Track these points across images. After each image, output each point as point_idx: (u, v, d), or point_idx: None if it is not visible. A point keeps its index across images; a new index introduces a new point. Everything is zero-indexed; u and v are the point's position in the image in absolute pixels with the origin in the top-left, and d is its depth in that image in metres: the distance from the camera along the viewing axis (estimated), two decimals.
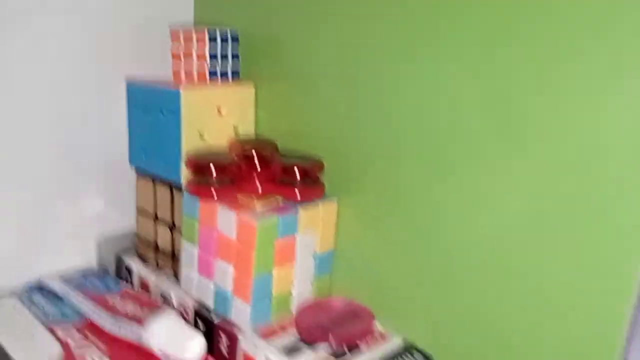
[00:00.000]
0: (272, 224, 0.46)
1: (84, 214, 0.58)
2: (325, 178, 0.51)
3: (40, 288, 0.54)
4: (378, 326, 0.49)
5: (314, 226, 0.49)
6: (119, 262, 0.58)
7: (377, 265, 0.49)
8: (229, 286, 0.47)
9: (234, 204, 0.47)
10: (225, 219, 0.47)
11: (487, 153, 0.41)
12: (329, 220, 0.51)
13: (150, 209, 0.56)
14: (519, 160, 0.39)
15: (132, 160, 0.57)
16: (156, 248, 0.56)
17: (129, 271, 0.57)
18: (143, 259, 0.58)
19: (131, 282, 0.57)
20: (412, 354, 0.46)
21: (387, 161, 0.47)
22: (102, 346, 0.46)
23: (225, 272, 0.47)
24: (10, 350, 0.41)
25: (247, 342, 0.46)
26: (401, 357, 0.46)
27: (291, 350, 0.45)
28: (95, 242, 0.60)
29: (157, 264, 0.56)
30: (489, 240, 0.42)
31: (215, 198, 0.47)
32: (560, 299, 0.38)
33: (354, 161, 0.49)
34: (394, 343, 0.47)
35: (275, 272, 0.47)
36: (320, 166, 0.50)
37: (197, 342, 0.45)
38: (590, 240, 0.37)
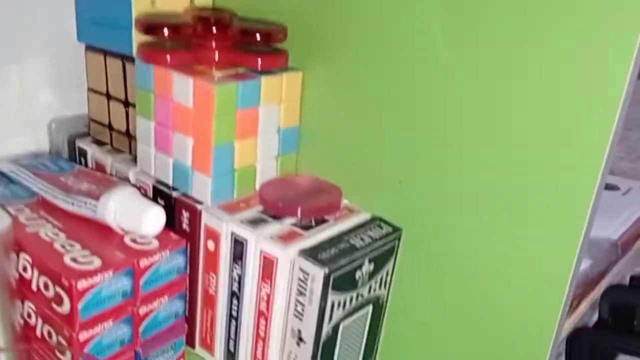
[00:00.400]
0: (232, 90, 0.43)
1: (32, 97, 0.55)
2: (289, 47, 0.47)
3: None
4: (346, 202, 0.48)
5: (276, 98, 0.46)
6: (72, 146, 0.55)
7: (345, 141, 0.47)
8: (188, 160, 0.45)
9: (190, 71, 0.44)
10: (182, 87, 0.43)
11: None
12: (293, 93, 0.48)
13: (102, 87, 0.52)
14: None
15: (80, 35, 0.52)
16: (111, 128, 0.53)
17: (84, 155, 0.54)
18: (98, 141, 0.54)
19: (85, 165, 0.54)
20: (380, 226, 0.45)
21: (354, 30, 0.44)
22: (57, 222, 0.44)
23: (184, 145, 0.45)
24: None
25: (210, 215, 0.44)
26: (370, 228, 0.44)
27: (256, 221, 0.43)
28: (46, 126, 0.56)
29: (113, 146, 0.53)
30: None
31: (169, 61, 0.44)
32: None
33: (321, 28, 0.46)
34: (362, 217, 0.46)
35: (237, 144, 0.45)
36: (283, 31, 0.46)
37: (154, 214, 0.43)
38: None
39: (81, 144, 0.54)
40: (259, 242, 0.41)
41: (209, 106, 0.42)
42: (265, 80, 0.45)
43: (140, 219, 0.42)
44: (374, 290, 0.45)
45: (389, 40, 0.42)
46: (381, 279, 0.45)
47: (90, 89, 0.54)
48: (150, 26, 0.43)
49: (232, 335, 0.46)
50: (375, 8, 0.42)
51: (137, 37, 0.46)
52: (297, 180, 0.49)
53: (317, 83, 0.48)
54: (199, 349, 0.49)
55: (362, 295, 0.44)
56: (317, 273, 0.39)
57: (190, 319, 0.48)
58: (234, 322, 0.45)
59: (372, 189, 0.46)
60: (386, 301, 0.47)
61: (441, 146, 0.41)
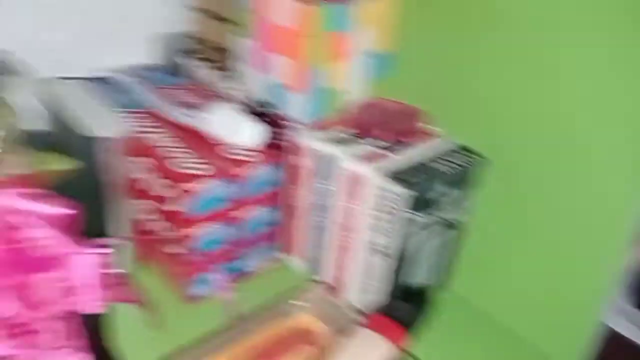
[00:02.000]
0: (328, 12, 0.45)
1: (145, 12, 0.58)
2: None
3: (107, 79, 0.56)
4: (434, 129, 0.49)
5: (372, 22, 0.48)
6: (177, 60, 0.59)
7: (440, 68, 0.48)
8: (283, 79, 0.48)
9: None
10: (280, 7, 0.45)
11: None
12: (388, 18, 0.49)
13: (205, 6, 0.55)
14: None
15: None
16: (212, 45, 0.56)
17: (186, 69, 0.58)
18: (200, 57, 0.58)
19: (188, 79, 0.58)
20: (466, 155, 0.47)
21: None
22: (169, 131, 0.49)
23: (280, 64, 0.47)
24: (80, 122, 0.44)
25: (300, 134, 0.47)
26: (456, 155, 0.46)
27: (345, 140, 0.46)
28: (155, 40, 0.60)
29: (213, 62, 0.57)
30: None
31: None
32: None
33: None
34: (449, 144, 0.48)
35: (330, 66, 0.47)
36: None
37: (253, 130, 0.46)
38: None
39: (184, 58, 0.58)
40: (347, 161, 0.44)
41: (305, 27, 0.44)
42: (360, 4, 0.46)
43: (241, 133, 0.46)
44: (454, 213, 0.47)
45: None
46: (462, 205, 0.47)
47: (194, 8, 0.57)
48: None
49: (318, 244, 0.50)
50: None
51: None
52: (386, 104, 0.51)
53: (418, 8, 0.48)
54: (286, 254, 0.54)
55: (442, 218, 0.46)
56: (403, 193, 0.42)
57: (280, 227, 0.53)
58: (319, 232, 0.49)
59: (463, 118, 0.48)
60: (466, 226, 0.50)
61: (536, 84, 0.42)
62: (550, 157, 0.43)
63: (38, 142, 0.46)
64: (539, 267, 0.46)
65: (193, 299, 0.48)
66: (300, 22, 0.44)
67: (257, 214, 0.49)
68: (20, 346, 0.32)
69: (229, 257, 0.49)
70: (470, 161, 0.46)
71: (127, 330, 0.41)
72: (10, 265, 0.32)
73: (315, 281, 0.51)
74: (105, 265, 0.34)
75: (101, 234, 0.45)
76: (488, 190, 0.47)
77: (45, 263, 0.32)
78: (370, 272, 0.47)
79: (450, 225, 0.48)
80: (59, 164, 0.34)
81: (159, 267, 0.50)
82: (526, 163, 0.44)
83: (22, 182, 0.32)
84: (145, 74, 0.56)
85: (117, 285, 0.39)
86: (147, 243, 0.51)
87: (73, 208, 0.33)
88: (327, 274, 0.51)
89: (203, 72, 0.56)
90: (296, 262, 0.53)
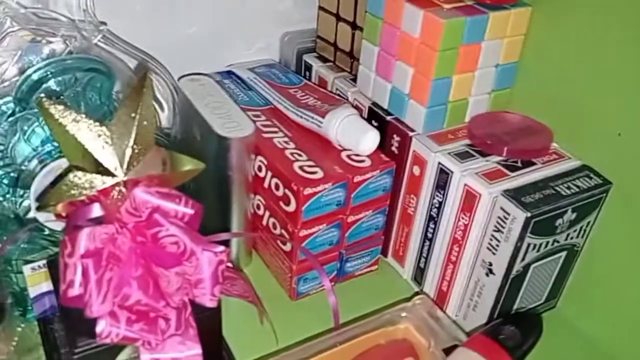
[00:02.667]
0: (459, 25, 0.44)
1: (268, 9, 0.60)
2: None
3: (230, 75, 0.58)
4: (556, 146, 0.47)
5: (501, 34, 0.46)
6: (299, 59, 0.60)
7: (565, 83, 0.46)
8: (406, 88, 0.48)
9: (421, 2, 0.45)
10: (411, 17, 0.45)
11: None
12: (518, 29, 0.47)
13: (333, 7, 0.56)
14: None
15: None
16: (336, 47, 0.57)
17: (309, 69, 0.59)
18: (322, 57, 0.59)
19: (309, 78, 0.59)
20: (589, 176, 0.44)
21: None
22: (286, 131, 0.51)
23: (405, 74, 0.47)
24: (209, 120, 0.46)
25: (419, 143, 0.47)
26: (578, 177, 0.44)
27: (463, 155, 0.45)
28: (279, 38, 0.62)
29: (336, 64, 0.58)
30: None
31: None
32: None
33: None
34: (572, 164, 0.46)
35: (455, 78, 0.46)
36: None
37: (371, 136, 0.47)
38: None
39: (307, 58, 0.60)
40: (464, 176, 0.44)
41: (436, 39, 0.44)
42: (493, 16, 0.45)
43: (358, 139, 0.47)
44: (572, 237, 0.45)
45: None
46: (581, 228, 0.45)
47: (321, 7, 0.58)
48: None
49: (425, 254, 0.50)
50: None
51: None
52: (507, 118, 0.49)
53: (546, 20, 0.46)
54: (391, 259, 0.54)
55: (558, 242, 0.44)
56: (519, 216, 0.41)
57: (387, 232, 0.53)
58: (427, 242, 0.49)
59: (587, 137, 0.45)
60: (581, 249, 0.47)
61: None
62: None
63: (171, 141, 0.49)
64: None
65: (298, 296, 0.50)
66: (432, 35, 0.44)
67: (368, 218, 0.49)
68: (142, 330, 0.34)
69: (335, 258, 0.50)
70: (592, 184, 0.43)
71: (235, 325, 0.43)
72: (143, 257, 0.35)
73: (419, 292, 0.50)
74: (223, 262, 0.36)
75: (223, 230, 0.48)
76: (608, 214, 0.45)
77: (173, 258, 0.35)
78: (476, 290, 0.46)
79: (567, 249, 0.46)
80: (190, 165, 0.37)
81: (270, 263, 0.52)
82: None
83: (158, 180, 0.35)
84: (269, 71, 0.58)
85: (231, 280, 0.41)
86: (261, 239, 0.53)
87: (198, 207, 0.35)
88: (432, 287, 0.50)
89: (323, 71, 0.57)
90: (402, 271, 0.53)
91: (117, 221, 0.34)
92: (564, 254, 0.46)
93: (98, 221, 0.35)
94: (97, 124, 0.33)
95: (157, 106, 0.51)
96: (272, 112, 0.53)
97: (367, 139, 0.47)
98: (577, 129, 0.46)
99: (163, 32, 0.55)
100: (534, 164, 0.45)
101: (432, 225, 0.48)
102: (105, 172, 0.33)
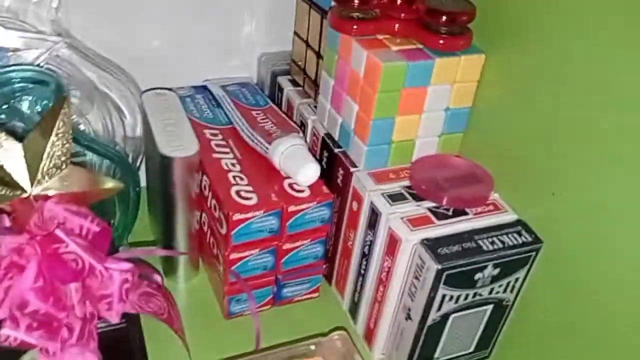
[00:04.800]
0: (399, 69, 0.44)
1: (250, 29, 0.61)
2: (477, 26, 0.46)
3: (204, 90, 0.60)
4: (495, 196, 0.47)
5: (450, 79, 0.46)
6: (274, 80, 0.61)
7: (512, 133, 0.45)
8: (352, 124, 0.48)
9: (370, 43, 0.46)
10: (358, 56, 0.45)
11: None
12: (470, 75, 0.47)
13: (303, 34, 0.57)
14: None
15: None
16: (305, 73, 0.58)
17: (281, 90, 0.60)
18: (294, 81, 0.60)
19: (280, 100, 0.60)
20: (519, 233, 0.44)
21: (546, 22, 0.40)
22: (237, 153, 0.52)
23: (351, 109, 0.48)
24: (157, 137, 0.48)
25: (358, 179, 0.47)
26: (507, 232, 0.43)
27: (396, 197, 0.45)
28: (257, 58, 0.63)
29: (304, 89, 0.58)
30: None
31: (353, 33, 0.46)
32: None
33: (513, 12, 0.43)
34: (505, 217, 0.45)
35: (398, 119, 0.46)
36: (471, 13, 0.45)
37: (310, 168, 0.47)
38: None
39: (281, 80, 0.61)
40: (389, 220, 0.44)
41: (375, 81, 0.44)
42: (439, 62, 0.45)
43: (298, 169, 0.47)
44: (497, 292, 0.44)
45: (580, 44, 0.38)
46: (508, 284, 0.44)
47: (295, 32, 0.59)
48: None
49: (358, 289, 0.50)
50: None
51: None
52: (453, 162, 0.49)
53: (499, 67, 0.46)
54: (334, 288, 0.55)
55: (480, 295, 0.44)
56: (432, 266, 0.40)
57: (331, 261, 0.53)
58: (360, 278, 0.49)
59: (525, 191, 0.45)
60: (513, 303, 0.46)
61: (605, 167, 0.38)
62: (611, 250, 0.38)
63: (117, 155, 0.51)
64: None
65: (230, 315, 0.51)
66: (373, 76, 0.44)
67: (305, 247, 0.50)
68: (42, 337, 0.36)
69: (271, 283, 0.51)
70: (520, 241, 0.43)
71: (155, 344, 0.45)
72: (49, 270, 0.36)
73: (341, 328, 0.51)
74: (127, 281, 0.38)
75: (168, 245, 0.50)
76: (541, 272, 0.44)
77: (72, 274, 0.36)
78: (399, 332, 0.46)
79: (494, 303, 0.45)
80: (109, 183, 0.38)
81: (211, 280, 0.54)
82: (582, 249, 0.40)
83: (70, 197, 0.37)
84: (240, 90, 0.60)
85: (147, 297, 0.43)
86: (202, 256, 0.54)
87: (105, 226, 0.37)
88: (363, 323, 0.50)
89: (292, 94, 0.58)
90: (342, 302, 0.54)
91: (27, 232, 0.36)
92: (489, 307, 0.45)
93: (13, 231, 0.37)
94: (11, 138, 0.35)
95: (118, 114, 0.53)
96: (231, 132, 0.54)
97: (306, 170, 0.47)
98: (517, 182, 0.45)
99: (144, 43, 0.57)
100: (466, 213, 0.45)
101: (364, 262, 0.48)
102: (16, 186, 0.35)
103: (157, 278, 0.46)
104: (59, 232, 0.35)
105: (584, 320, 0.41)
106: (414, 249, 0.42)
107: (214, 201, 0.48)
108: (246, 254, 0.48)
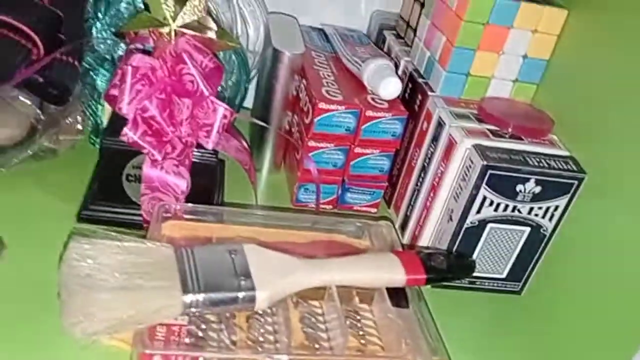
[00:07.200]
0: (487, 2, 0.50)
1: None
2: None
3: (319, 32, 0.70)
4: (553, 137, 0.51)
5: (531, 26, 0.52)
6: (380, 32, 0.70)
7: (587, 95, 0.49)
8: (437, 54, 0.55)
9: None
10: None
11: None
12: (551, 28, 0.52)
13: None
14: None
15: None
16: (408, 25, 0.65)
17: (383, 41, 0.68)
18: (398, 34, 0.68)
19: (381, 49, 0.68)
20: (567, 162, 0.47)
21: None
22: (334, 70, 0.60)
23: (439, 42, 0.54)
24: (273, 37, 0.57)
25: (432, 101, 0.54)
26: (555, 159, 0.48)
27: (462, 116, 0.51)
28: (370, 14, 0.72)
29: (404, 40, 0.66)
30: None
31: None
32: None
33: None
34: (558, 151, 0.49)
35: (478, 54, 0.52)
36: None
37: (391, 82, 0.54)
38: None
39: (386, 33, 0.69)
40: (451, 127, 0.49)
41: (463, 9, 0.51)
42: (524, 6, 0.51)
43: (381, 82, 0.55)
44: (536, 215, 0.48)
45: None
46: (547, 209, 0.48)
47: None
48: None
49: (412, 202, 0.56)
50: None
51: None
52: (521, 105, 0.54)
53: (580, 25, 0.51)
54: (392, 211, 0.61)
55: (519, 211, 0.48)
56: (477, 163, 0.46)
57: (393, 186, 0.60)
58: (416, 192, 0.55)
59: (586, 140, 0.48)
60: (550, 236, 0.50)
61: None
62: None
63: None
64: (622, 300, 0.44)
65: (297, 203, 0.58)
66: (463, 5, 0.51)
67: (374, 157, 0.57)
68: (151, 144, 0.46)
69: (338, 182, 0.58)
70: (566, 168, 0.47)
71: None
72: (168, 89, 0.46)
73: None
74: (227, 117, 0.46)
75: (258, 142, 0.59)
76: (583, 207, 0.47)
77: (187, 92, 0.46)
78: (439, 236, 0.51)
79: (531, 226, 0.49)
80: (229, 40, 0.48)
81: (289, 172, 0.62)
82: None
83: (200, 40, 0.46)
84: (350, 33, 0.68)
85: (229, 136, 0.51)
86: (288, 152, 0.62)
87: (220, 68, 0.46)
88: (409, 233, 0.56)
89: (392, 44, 0.66)
90: (396, 221, 0.59)
91: (161, 58, 0.46)
92: (527, 230, 0.49)
93: (152, 54, 0.47)
94: None
95: (245, 26, 0.64)
96: (333, 58, 0.63)
97: (388, 84, 0.54)
98: (583, 141, 0.49)
99: None
100: (521, 139, 0.49)
101: (422, 175, 0.54)
102: (162, 21, 0.45)
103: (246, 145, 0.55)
104: (184, 56, 0.45)
105: (617, 277, 0.43)
106: (467, 153, 0.48)
107: (306, 98, 0.57)
108: (323, 145, 0.55)
